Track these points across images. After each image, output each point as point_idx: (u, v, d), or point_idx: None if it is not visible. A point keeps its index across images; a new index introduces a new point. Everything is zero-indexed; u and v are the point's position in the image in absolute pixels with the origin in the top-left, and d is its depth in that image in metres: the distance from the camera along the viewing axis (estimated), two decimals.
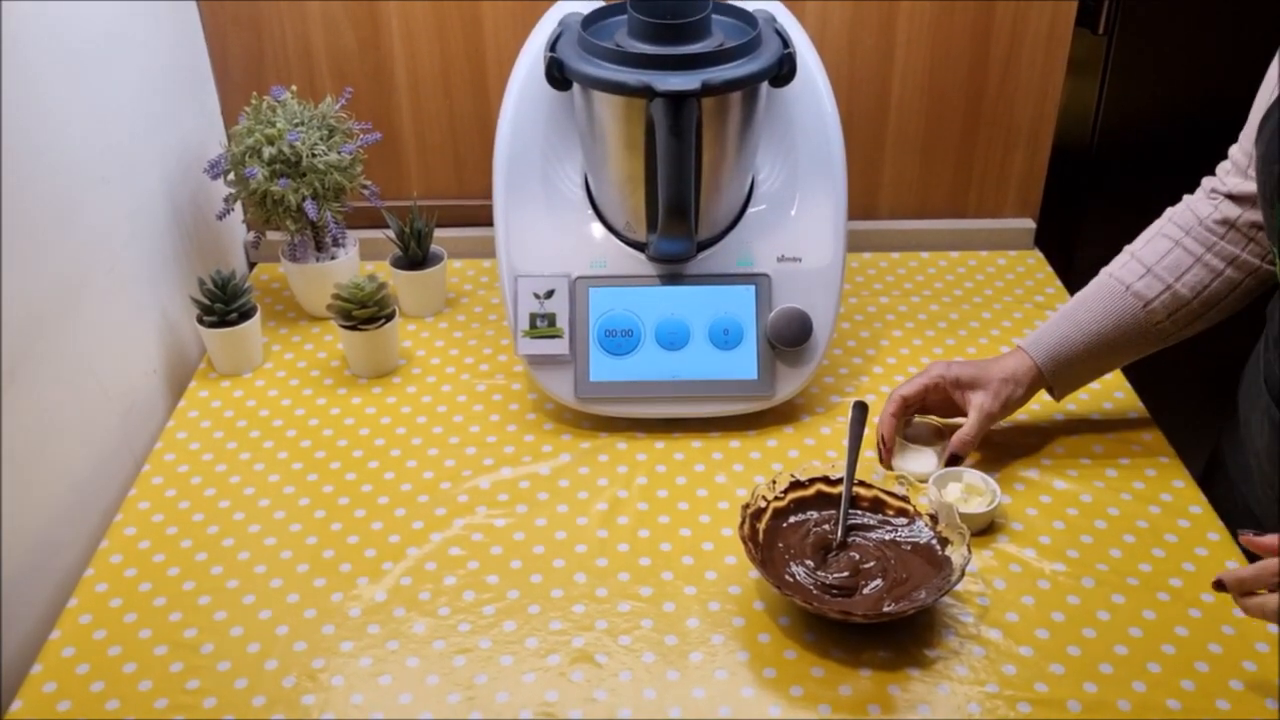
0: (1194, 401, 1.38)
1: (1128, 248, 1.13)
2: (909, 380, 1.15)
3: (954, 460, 1.12)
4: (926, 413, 1.18)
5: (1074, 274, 1.47)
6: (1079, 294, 1.14)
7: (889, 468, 1.13)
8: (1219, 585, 0.89)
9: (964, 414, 1.13)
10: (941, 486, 1.09)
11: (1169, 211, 1.12)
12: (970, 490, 1.09)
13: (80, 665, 0.95)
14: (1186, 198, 1.12)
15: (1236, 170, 1.07)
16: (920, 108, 1.50)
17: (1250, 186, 1.04)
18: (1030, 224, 1.57)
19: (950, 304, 1.44)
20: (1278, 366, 1.06)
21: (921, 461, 1.14)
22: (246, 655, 0.96)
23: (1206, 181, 1.11)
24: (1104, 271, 1.14)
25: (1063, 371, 1.13)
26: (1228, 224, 1.07)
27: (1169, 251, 1.09)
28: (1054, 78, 1.48)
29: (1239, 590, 0.88)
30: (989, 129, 1.51)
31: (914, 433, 1.18)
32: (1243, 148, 1.06)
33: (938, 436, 1.17)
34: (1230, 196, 1.07)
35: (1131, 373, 1.29)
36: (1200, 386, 1.48)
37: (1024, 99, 1.50)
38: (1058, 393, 1.15)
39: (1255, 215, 1.05)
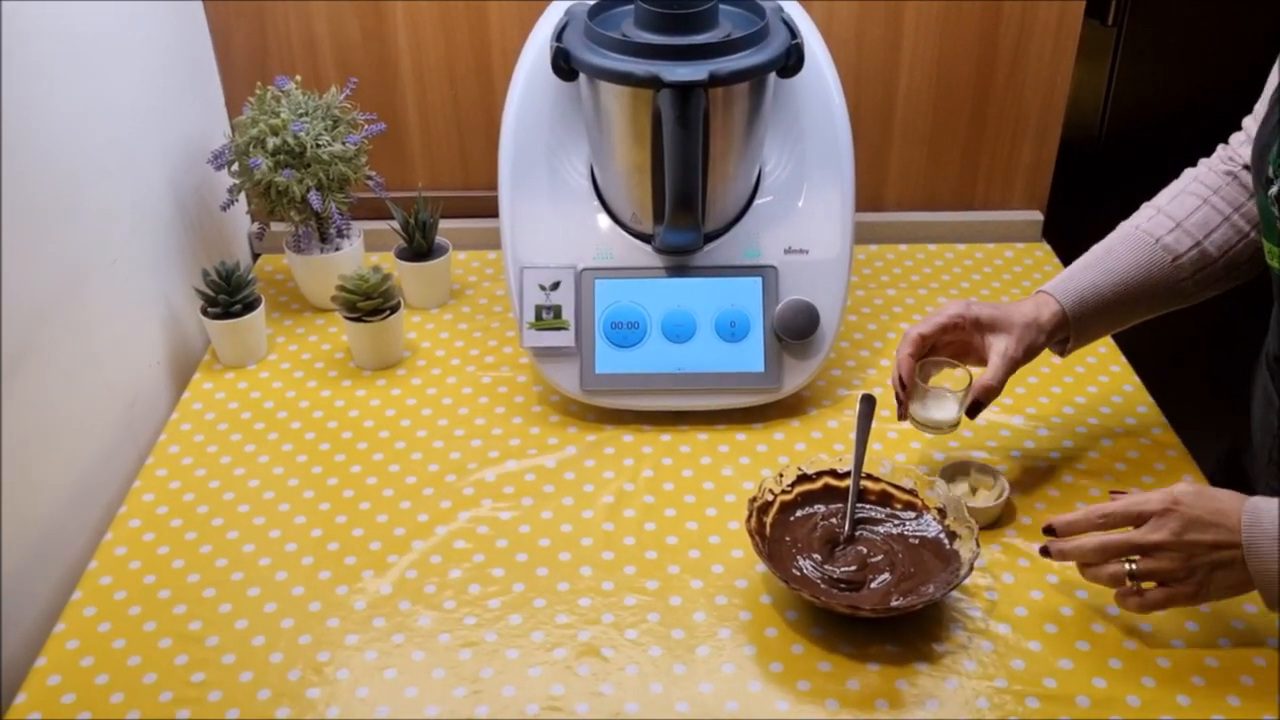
0: (1205, 400, 1.37)
1: (1150, 204, 1.09)
2: (925, 318, 1.06)
3: (975, 408, 1.03)
4: (939, 354, 1.08)
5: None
6: (1103, 244, 1.08)
7: (905, 417, 1.06)
8: (1048, 530, 0.93)
9: (980, 358, 1.06)
10: (950, 480, 1.08)
11: (1190, 172, 1.09)
12: (979, 484, 1.08)
13: (85, 658, 0.95)
14: (1205, 161, 1.09)
15: (1249, 138, 1.05)
16: (928, 99, 1.49)
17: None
18: (1038, 216, 1.56)
19: (958, 296, 1.44)
20: (1273, 344, 1.06)
21: (942, 408, 1.06)
22: (251, 648, 0.96)
23: (1222, 149, 1.09)
24: (1126, 224, 1.08)
25: (1086, 320, 1.05)
26: (1248, 191, 1.05)
27: (1197, 209, 1.05)
28: (1063, 69, 1.47)
29: (1067, 533, 0.92)
30: (997, 121, 1.50)
31: (931, 376, 1.09)
32: (1256, 116, 1.04)
33: (957, 382, 1.08)
34: (1246, 168, 1.05)
35: (1140, 368, 1.29)
36: (1210, 385, 1.47)
37: (1032, 90, 1.49)
38: (1072, 344, 1.07)
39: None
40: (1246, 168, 1.05)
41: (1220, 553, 0.87)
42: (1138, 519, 0.90)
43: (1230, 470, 1.17)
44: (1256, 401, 1.13)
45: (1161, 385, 1.27)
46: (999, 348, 1.03)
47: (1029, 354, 1.05)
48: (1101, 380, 1.27)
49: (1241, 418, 1.16)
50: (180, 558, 1.05)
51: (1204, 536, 0.88)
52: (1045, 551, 0.94)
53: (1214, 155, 1.09)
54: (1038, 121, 1.51)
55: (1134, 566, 0.90)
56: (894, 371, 1.06)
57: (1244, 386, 1.17)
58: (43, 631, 0.98)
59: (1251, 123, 1.05)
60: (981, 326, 1.05)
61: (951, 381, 1.08)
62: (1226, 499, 0.89)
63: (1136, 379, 1.27)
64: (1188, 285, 1.06)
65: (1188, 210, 1.06)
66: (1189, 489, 0.90)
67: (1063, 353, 1.09)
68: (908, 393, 1.05)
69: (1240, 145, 1.07)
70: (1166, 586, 0.90)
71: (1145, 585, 0.91)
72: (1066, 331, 1.06)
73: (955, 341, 1.07)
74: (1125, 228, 1.08)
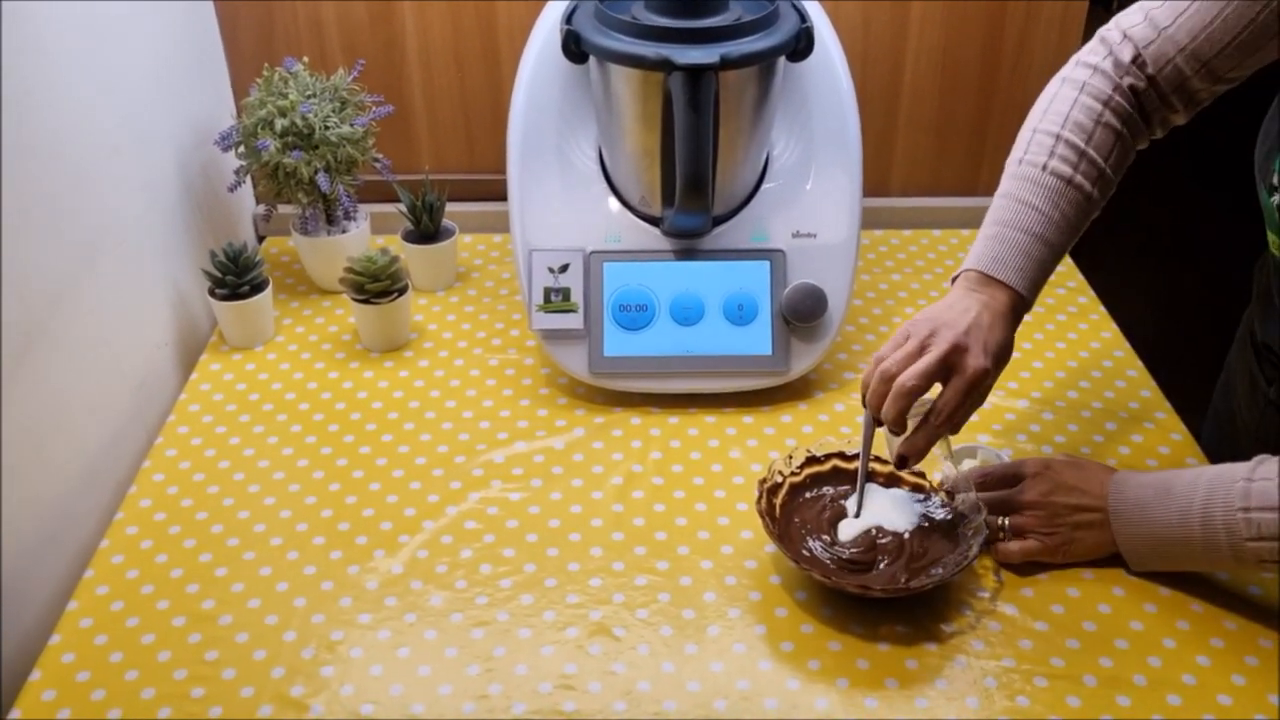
0: (1201, 382, 1.38)
1: (1044, 127, 0.99)
2: (922, 369, 0.93)
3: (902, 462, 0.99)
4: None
5: (1081, 252, 1.47)
6: (1042, 210, 0.97)
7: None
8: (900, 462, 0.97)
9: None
10: (958, 463, 1.09)
11: (1073, 78, 1.00)
12: (987, 464, 1.09)
13: (98, 636, 0.95)
14: (1086, 63, 1.00)
15: (1147, 23, 0.96)
16: (933, 85, 1.49)
17: (1173, 75, 0.96)
18: None
19: None
20: (1257, 324, 1.06)
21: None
22: (265, 626, 0.96)
23: (1108, 37, 1.00)
24: (1058, 178, 0.97)
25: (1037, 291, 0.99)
26: (1137, 94, 0.98)
27: (1114, 146, 0.98)
28: (1067, 55, 1.45)
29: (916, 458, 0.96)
30: (1002, 106, 1.51)
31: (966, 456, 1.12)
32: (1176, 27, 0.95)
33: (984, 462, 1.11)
34: (1135, 63, 0.97)
35: (1140, 352, 1.30)
36: (1206, 368, 1.48)
37: (1037, 78, 1.48)
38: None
39: (1168, 112, 0.99)
40: (1151, 80, 0.97)
41: (1081, 514, 0.98)
42: (1014, 480, 1.02)
43: (1222, 445, 1.19)
44: (1237, 375, 1.15)
45: (1162, 369, 1.28)
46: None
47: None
48: (1105, 365, 1.27)
49: (1224, 389, 1.18)
50: (191, 537, 1.06)
51: (1068, 499, 0.99)
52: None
53: (1097, 51, 1.00)
54: None
55: (1006, 521, 1.01)
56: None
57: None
58: (56, 609, 0.99)
59: (1156, 5, 0.96)
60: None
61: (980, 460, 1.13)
62: (1094, 469, 1.00)
63: (1140, 364, 1.28)
64: (1094, 211, 1.00)
65: (1108, 147, 0.97)
66: (1063, 458, 1.03)
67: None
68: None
69: (1138, 27, 0.97)
70: (1031, 539, 1.00)
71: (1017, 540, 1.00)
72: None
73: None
74: (1057, 183, 0.97)
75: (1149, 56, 0.97)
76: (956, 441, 1.10)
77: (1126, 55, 0.98)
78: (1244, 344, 1.15)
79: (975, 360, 0.93)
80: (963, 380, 0.93)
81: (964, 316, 0.95)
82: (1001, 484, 1.04)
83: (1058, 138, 0.98)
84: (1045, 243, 0.97)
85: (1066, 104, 0.99)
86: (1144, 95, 0.99)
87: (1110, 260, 1.14)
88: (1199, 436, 1.18)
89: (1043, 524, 1.00)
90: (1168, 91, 0.98)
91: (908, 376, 0.92)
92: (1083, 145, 0.97)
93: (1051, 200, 0.97)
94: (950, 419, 0.94)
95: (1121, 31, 0.99)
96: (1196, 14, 0.94)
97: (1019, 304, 0.97)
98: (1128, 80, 0.98)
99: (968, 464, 1.09)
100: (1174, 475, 0.95)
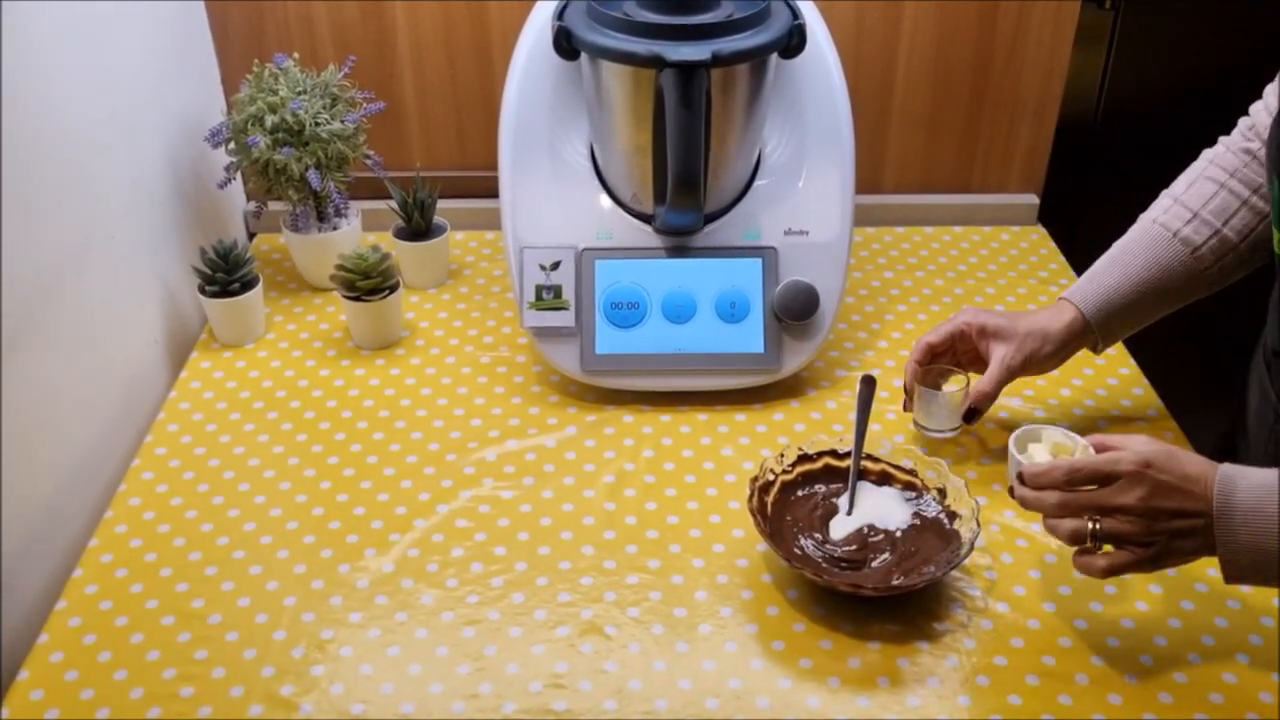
0: (1200, 384, 1.38)
1: (1168, 192, 1.09)
2: (936, 326, 1.12)
3: (972, 414, 1.09)
4: (957, 362, 1.13)
5: (1077, 250, 1.47)
6: (1122, 241, 1.09)
7: (913, 414, 1.13)
8: (1019, 478, 0.91)
9: (985, 365, 1.10)
10: (1022, 449, 1.03)
11: (1208, 154, 1.09)
12: (1059, 449, 1.02)
13: (87, 635, 0.95)
14: (1224, 140, 1.09)
15: (1268, 111, 1.04)
16: (926, 82, 1.49)
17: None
18: (1034, 199, 1.57)
19: (954, 279, 1.44)
20: (1270, 334, 1.06)
21: (940, 418, 1.12)
22: (255, 625, 0.96)
23: (1243, 122, 1.08)
24: (1145, 218, 1.09)
25: (1110, 322, 1.08)
26: (1254, 155, 1.04)
27: (1214, 195, 1.05)
28: (1061, 52, 1.48)
29: (1035, 484, 0.90)
30: (994, 104, 1.51)
31: (936, 383, 1.13)
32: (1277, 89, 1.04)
33: (953, 391, 1.11)
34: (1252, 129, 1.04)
35: (1136, 353, 1.29)
36: (1206, 370, 1.48)
37: (1030, 74, 1.49)
38: (1101, 345, 1.10)
39: None
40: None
41: (1182, 520, 0.85)
42: (1107, 478, 0.87)
43: (1225, 457, 1.17)
44: (1252, 392, 1.14)
45: (1158, 370, 1.28)
46: (998, 355, 1.08)
47: (1028, 363, 1.08)
48: (1098, 363, 1.27)
49: (1238, 402, 1.17)
50: (181, 536, 1.05)
51: (1168, 503, 0.85)
52: (1012, 492, 0.93)
53: (1234, 132, 1.08)
54: (1035, 105, 1.51)
55: (1098, 526, 0.87)
56: (905, 377, 1.12)
57: (1239, 374, 1.18)
58: (44, 608, 0.98)
59: (1273, 90, 1.04)
60: (986, 334, 1.09)
61: (954, 386, 1.12)
62: (1197, 464, 0.86)
63: (1133, 362, 1.28)
64: (1212, 273, 1.06)
65: (1205, 197, 1.05)
66: (1160, 451, 0.87)
67: (1097, 350, 1.12)
68: (910, 399, 1.11)
69: (1259, 114, 1.05)
70: (1124, 550, 0.87)
71: (1105, 549, 0.89)
72: (1088, 337, 1.09)
73: (966, 349, 1.11)
74: (1143, 222, 1.09)
75: (1258, 120, 1.03)
76: (1019, 427, 1.05)
77: (1244, 124, 1.05)
78: (1259, 356, 1.14)
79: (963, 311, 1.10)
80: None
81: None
82: (1093, 480, 0.88)
83: (1195, 214, 1.05)
84: (1120, 268, 1.07)
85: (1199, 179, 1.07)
86: (1260, 154, 1.02)
87: None
88: (1197, 442, 1.17)
89: (1141, 531, 0.86)
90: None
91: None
92: (1197, 208, 1.05)
93: (1143, 240, 1.07)
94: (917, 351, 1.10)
95: (1249, 111, 1.06)
96: None
97: (1066, 306, 1.08)
98: (1243, 144, 1.04)
99: (1034, 449, 1.03)
100: None
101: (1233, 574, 0.85)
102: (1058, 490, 0.88)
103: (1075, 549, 0.89)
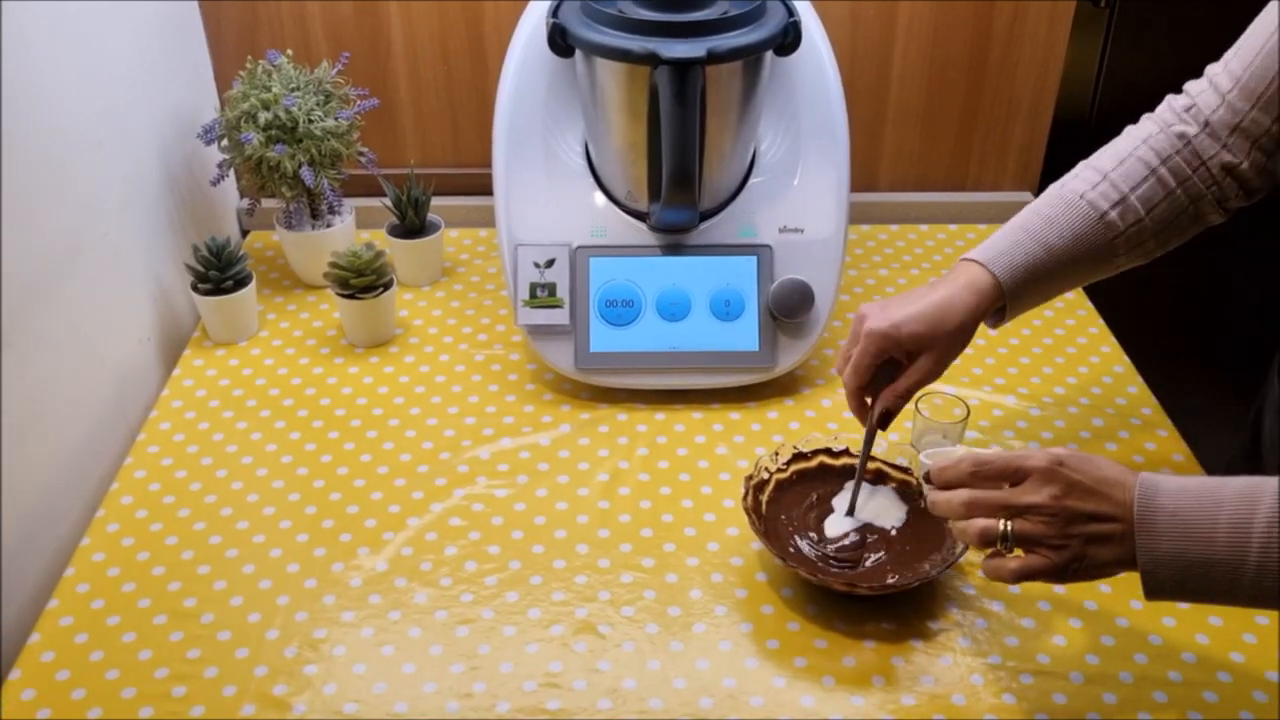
0: (1213, 395, 1.37)
1: (1092, 165, 0.99)
2: (852, 363, 0.98)
3: (886, 418, 0.98)
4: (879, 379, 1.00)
5: None
6: (1043, 211, 0.98)
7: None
8: (926, 478, 0.86)
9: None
10: (919, 445, 1.06)
11: (1137, 132, 1.00)
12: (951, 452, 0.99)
13: (79, 635, 0.94)
14: (1152, 118, 1.00)
15: (1217, 92, 0.96)
16: (921, 79, 1.49)
17: (1227, 117, 0.95)
18: (1029, 197, 1.57)
19: None
20: None
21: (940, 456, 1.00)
22: (247, 625, 0.95)
23: (1176, 101, 0.99)
24: (1069, 190, 0.98)
25: (1022, 296, 0.98)
26: (1200, 159, 0.96)
27: (1144, 180, 0.96)
28: (1056, 50, 1.47)
29: (940, 482, 0.84)
30: (990, 101, 1.51)
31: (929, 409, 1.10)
32: (1229, 69, 0.95)
33: (953, 423, 1.09)
34: (1208, 127, 0.96)
35: (1138, 360, 1.29)
36: (1217, 379, 1.47)
37: (1025, 72, 1.49)
38: (1007, 318, 1.00)
39: (1229, 157, 0.95)
40: (1207, 124, 0.96)
41: (1098, 525, 0.78)
42: (1015, 474, 0.81)
43: (1243, 468, 1.16)
44: (1270, 402, 1.13)
45: (1167, 379, 1.27)
46: (919, 366, 0.97)
47: (948, 363, 0.99)
48: (1092, 361, 1.27)
49: (1254, 410, 1.16)
50: (173, 534, 1.05)
51: (1083, 505, 0.78)
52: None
53: (1162, 109, 1.00)
54: (1030, 103, 1.51)
55: (1009, 528, 0.80)
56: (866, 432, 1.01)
57: (1251, 383, 1.17)
58: (36, 607, 0.98)
59: (1220, 70, 0.96)
60: (903, 347, 0.97)
61: (949, 419, 1.10)
62: (1114, 469, 0.80)
63: (1127, 360, 1.28)
64: (1120, 260, 0.99)
65: (1134, 180, 0.97)
66: (1074, 453, 0.81)
67: (994, 325, 1.02)
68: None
69: (1202, 94, 0.97)
70: (1035, 554, 0.80)
71: (1016, 552, 0.82)
72: (997, 314, 1.00)
73: (891, 362, 0.99)
74: (1068, 195, 0.98)
75: (1201, 102, 0.97)
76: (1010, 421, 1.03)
77: (1180, 104, 0.99)
78: (1274, 366, 1.13)
79: (870, 323, 0.96)
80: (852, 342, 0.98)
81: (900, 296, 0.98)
82: (1001, 477, 0.82)
83: (1123, 198, 0.97)
84: (1041, 243, 0.96)
85: (1123, 149, 0.99)
86: (1197, 140, 0.97)
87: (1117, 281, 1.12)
88: (1196, 447, 1.17)
89: (1054, 533, 0.79)
90: (1223, 133, 0.96)
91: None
92: (1126, 190, 0.97)
93: (1067, 215, 0.97)
94: (844, 369, 0.99)
95: (1185, 90, 1.00)
96: (1242, 52, 0.95)
97: (983, 279, 0.95)
98: (1178, 128, 0.97)
99: (930, 450, 1.02)
100: (1223, 483, 0.76)
101: (1154, 588, 0.77)
102: (966, 489, 0.83)
103: (986, 553, 0.83)
